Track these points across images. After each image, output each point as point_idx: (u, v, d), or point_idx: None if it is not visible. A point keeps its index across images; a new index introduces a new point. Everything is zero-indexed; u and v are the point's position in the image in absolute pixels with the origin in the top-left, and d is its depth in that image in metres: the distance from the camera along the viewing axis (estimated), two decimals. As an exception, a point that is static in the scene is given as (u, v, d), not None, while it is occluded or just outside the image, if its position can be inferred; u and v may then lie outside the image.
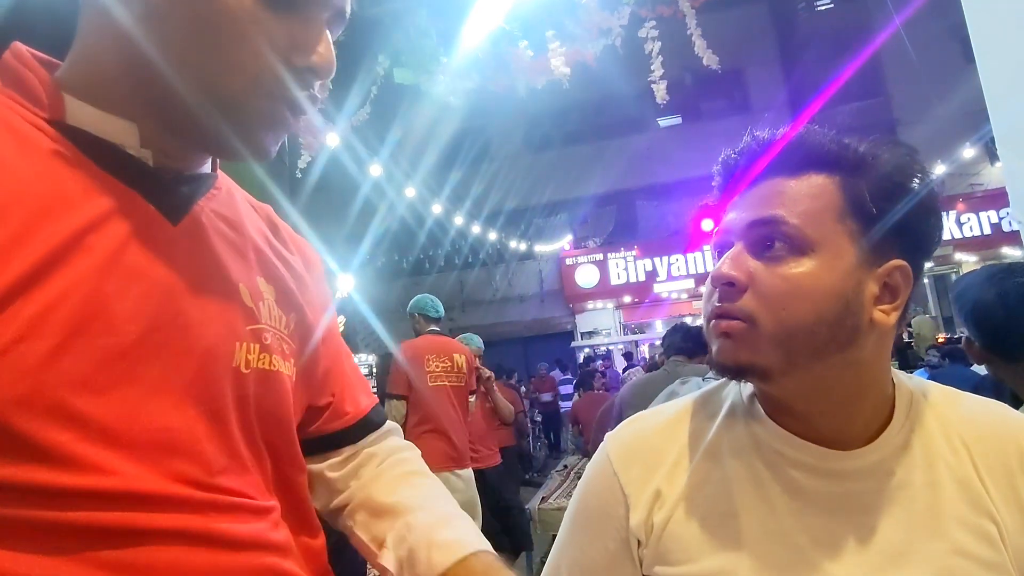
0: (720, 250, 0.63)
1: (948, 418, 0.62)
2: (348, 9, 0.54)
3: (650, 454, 0.65)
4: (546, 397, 10.26)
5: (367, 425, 0.71)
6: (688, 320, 12.34)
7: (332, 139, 4.06)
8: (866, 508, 0.58)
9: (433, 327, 3.34)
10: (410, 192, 8.74)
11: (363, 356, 15.63)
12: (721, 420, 0.66)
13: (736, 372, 0.60)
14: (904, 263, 0.59)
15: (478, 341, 3.83)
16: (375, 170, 6.29)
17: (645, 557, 0.62)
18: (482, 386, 3.57)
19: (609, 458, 0.67)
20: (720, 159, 0.65)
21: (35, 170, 0.45)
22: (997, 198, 9.55)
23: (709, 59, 2.64)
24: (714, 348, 0.61)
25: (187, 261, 0.51)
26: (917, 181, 0.59)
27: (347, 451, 0.69)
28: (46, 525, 0.42)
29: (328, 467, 0.69)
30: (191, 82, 0.48)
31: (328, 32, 0.53)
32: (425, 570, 0.58)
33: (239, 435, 0.52)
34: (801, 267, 0.57)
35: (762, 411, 0.64)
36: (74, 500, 0.43)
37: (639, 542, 0.63)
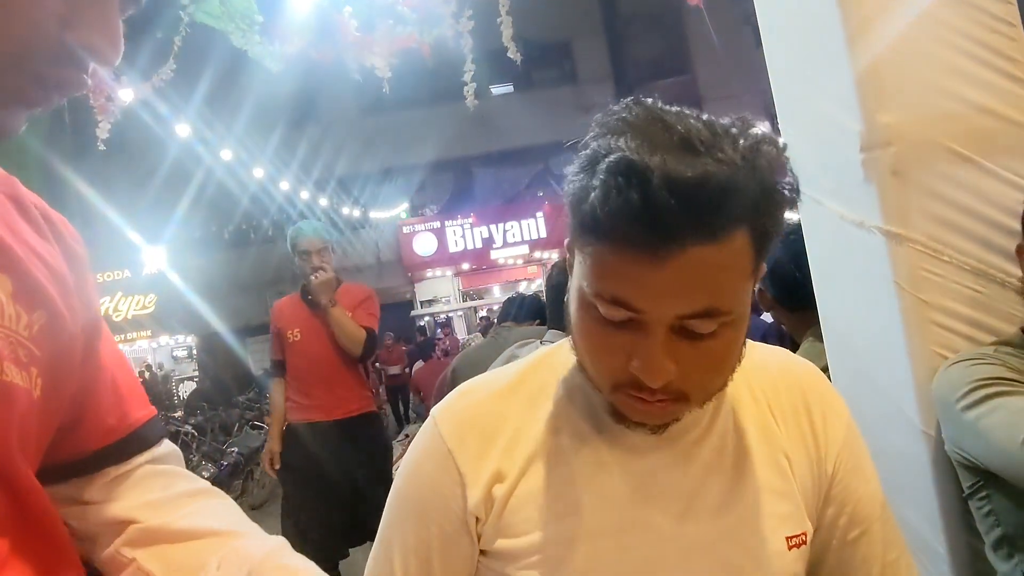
0: (618, 320, 0.52)
1: (746, 369, 0.64)
2: None
3: (485, 428, 0.62)
4: (394, 370, 9.47)
5: (136, 441, 0.60)
6: (523, 285, 12.84)
7: (128, 95, 3.55)
8: (692, 459, 0.61)
9: None
10: (227, 155, 7.99)
11: (180, 337, 14.20)
12: (557, 387, 0.64)
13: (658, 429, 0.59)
14: (763, 266, 0.55)
15: (313, 230, 2.67)
16: (183, 130, 5.64)
17: (485, 532, 0.61)
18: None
19: (442, 435, 0.62)
20: (610, 204, 0.47)
21: None
22: (780, 169, 11.07)
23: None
24: (628, 411, 0.57)
25: None
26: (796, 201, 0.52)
27: (111, 472, 0.58)
28: None
29: (87, 492, 0.57)
30: None
31: (119, 13, 0.44)
32: None
33: None
34: (724, 338, 0.53)
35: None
36: None
37: (477, 519, 0.61)
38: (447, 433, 0.62)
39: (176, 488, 0.60)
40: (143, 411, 0.62)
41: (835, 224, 1.13)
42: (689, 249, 0.47)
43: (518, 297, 2.65)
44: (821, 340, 1.24)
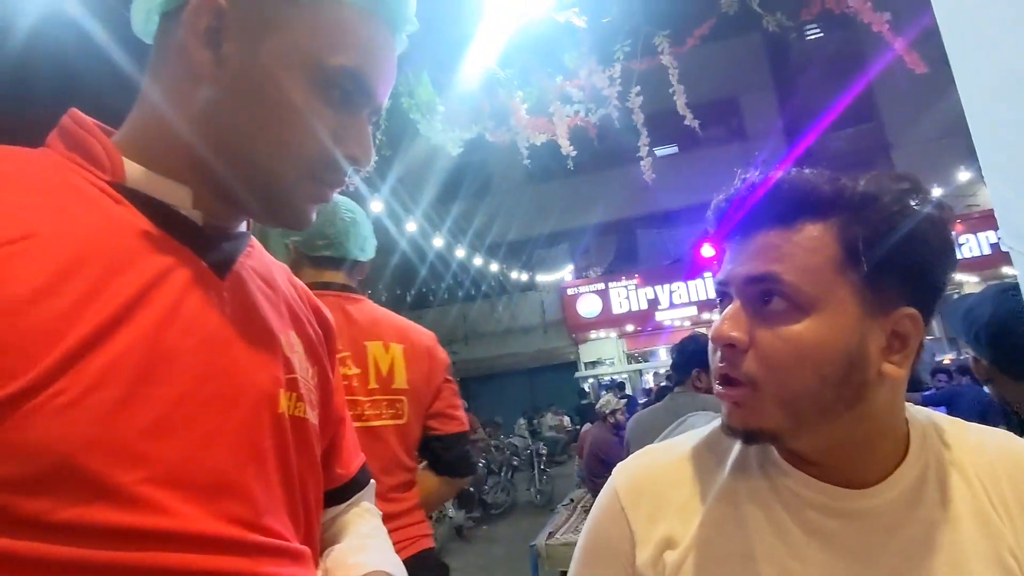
0: (721, 298, 0.61)
1: (959, 450, 0.61)
2: (384, 105, 0.60)
3: (660, 492, 0.64)
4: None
5: (353, 486, 0.72)
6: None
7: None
8: (885, 547, 0.56)
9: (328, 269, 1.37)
10: (411, 226, 8.81)
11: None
12: (734, 460, 0.64)
13: (747, 437, 0.59)
14: (913, 310, 0.55)
15: None
16: (376, 206, 6.37)
17: None
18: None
19: (617, 493, 0.65)
20: (712, 205, 0.62)
21: (101, 228, 0.49)
22: (993, 218, 9.66)
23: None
24: (724, 412, 0.60)
25: (234, 313, 0.55)
26: (922, 218, 0.54)
27: (331, 511, 0.70)
28: (110, 566, 0.44)
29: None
30: (250, 161, 0.53)
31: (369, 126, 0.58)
32: None
33: (276, 478, 0.55)
34: (801, 326, 0.54)
35: (775, 453, 0.62)
36: (136, 540, 0.44)
37: None
38: (622, 491, 0.65)
39: (359, 531, 0.71)
40: (359, 458, 0.74)
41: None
42: (763, 232, 0.57)
43: (691, 342, 2.37)
44: (1054, 414, 1.06)
